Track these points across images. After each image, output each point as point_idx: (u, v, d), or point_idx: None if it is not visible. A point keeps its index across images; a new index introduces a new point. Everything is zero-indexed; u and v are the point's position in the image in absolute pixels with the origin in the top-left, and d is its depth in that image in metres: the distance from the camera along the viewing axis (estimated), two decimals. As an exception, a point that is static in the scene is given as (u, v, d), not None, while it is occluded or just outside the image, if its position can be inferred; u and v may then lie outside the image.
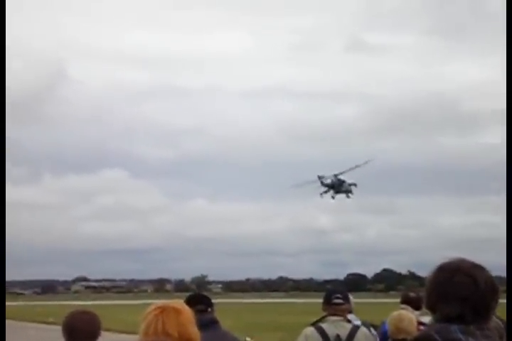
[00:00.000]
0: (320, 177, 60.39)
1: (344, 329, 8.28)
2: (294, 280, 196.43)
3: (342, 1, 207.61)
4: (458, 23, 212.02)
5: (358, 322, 8.98)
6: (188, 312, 4.58)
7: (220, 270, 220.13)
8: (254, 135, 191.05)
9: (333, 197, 61.39)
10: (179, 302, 4.71)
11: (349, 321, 8.51)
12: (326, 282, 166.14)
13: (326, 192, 60.96)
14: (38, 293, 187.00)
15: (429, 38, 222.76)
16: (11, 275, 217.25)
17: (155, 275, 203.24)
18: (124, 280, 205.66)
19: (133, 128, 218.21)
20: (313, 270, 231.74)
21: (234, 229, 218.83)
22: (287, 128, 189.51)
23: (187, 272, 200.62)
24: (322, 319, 8.44)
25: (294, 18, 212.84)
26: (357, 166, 60.98)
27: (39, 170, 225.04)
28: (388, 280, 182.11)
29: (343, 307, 8.44)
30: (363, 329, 8.47)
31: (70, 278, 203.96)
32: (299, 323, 10.05)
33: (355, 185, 61.41)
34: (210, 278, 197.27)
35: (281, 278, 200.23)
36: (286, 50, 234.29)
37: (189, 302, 6.24)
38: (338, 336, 8.23)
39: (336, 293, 8.49)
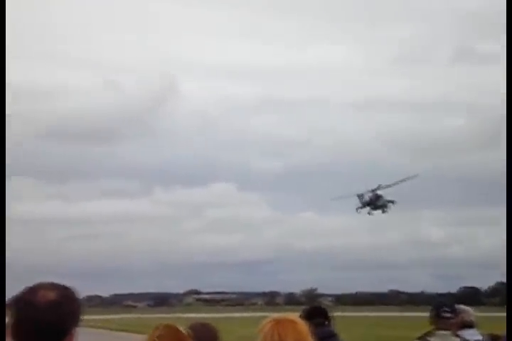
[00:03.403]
0: (359, 196, 59.81)
1: None
2: (405, 294, 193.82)
3: (450, 9, 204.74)
4: None
5: (477, 337, 8.67)
6: (303, 324, 4.55)
7: (330, 283, 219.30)
8: (361, 146, 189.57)
9: (369, 213, 60.68)
10: (293, 315, 4.70)
11: (457, 335, 8.24)
12: (439, 295, 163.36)
13: (361, 207, 60.28)
14: (151, 306, 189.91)
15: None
16: (124, 287, 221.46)
17: (265, 288, 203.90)
18: (235, 293, 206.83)
19: (241, 141, 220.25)
20: (426, 283, 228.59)
21: (343, 242, 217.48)
22: (394, 139, 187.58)
23: (297, 285, 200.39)
24: (429, 333, 8.21)
25: (400, 28, 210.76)
26: (401, 181, 60.04)
27: (151, 184, 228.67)
28: (504, 294, 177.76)
29: (452, 321, 8.18)
30: None
31: (182, 291, 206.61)
32: (410, 337, 9.76)
33: (392, 202, 60.45)
34: (320, 291, 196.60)
35: (392, 291, 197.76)
36: (391, 61, 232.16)
37: (307, 315, 6.14)
38: (445, 351, 7.97)
39: (445, 307, 8.24)
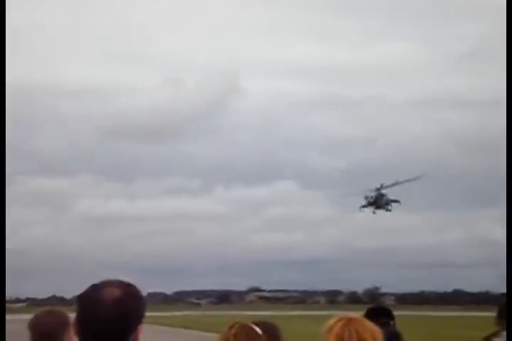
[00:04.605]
0: (366, 197, 59.38)
1: None
2: (470, 294, 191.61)
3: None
4: None
5: None
6: (371, 323, 4.55)
7: (392, 282, 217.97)
8: (423, 145, 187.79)
9: (374, 213, 60.07)
10: (358, 315, 4.71)
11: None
12: (504, 295, 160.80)
13: (365, 206, 59.72)
14: (213, 303, 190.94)
15: None
16: (187, 285, 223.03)
17: (327, 287, 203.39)
18: (297, 291, 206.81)
19: (302, 139, 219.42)
20: (490, 283, 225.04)
21: (406, 240, 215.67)
22: (456, 138, 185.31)
23: (359, 283, 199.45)
24: (495, 333, 8.09)
25: (464, 25, 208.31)
26: (403, 181, 59.33)
27: (213, 182, 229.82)
28: None
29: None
30: None
31: (244, 289, 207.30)
32: (473, 337, 9.62)
33: (396, 201, 59.74)
34: (383, 290, 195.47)
35: (456, 291, 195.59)
36: (454, 59, 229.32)
37: (371, 314, 6.11)
38: (511, 351, 7.83)
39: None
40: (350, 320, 4.51)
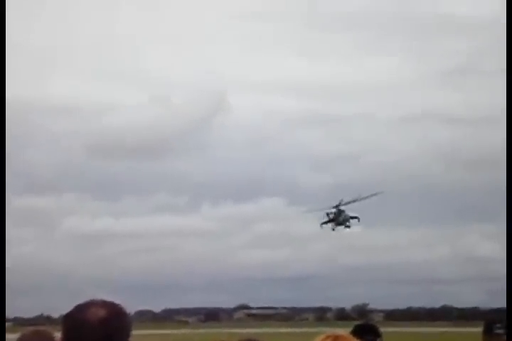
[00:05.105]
0: (328, 214, 59.30)
1: None
2: (458, 309, 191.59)
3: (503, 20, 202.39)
4: None
5: None
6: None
7: (381, 298, 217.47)
8: (410, 162, 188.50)
9: (333, 229, 59.84)
10: (345, 332, 4.73)
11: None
12: (493, 311, 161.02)
13: (326, 223, 59.58)
14: (202, 321, 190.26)
15: None
16: (175, 302, 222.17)
17: (315, 304, 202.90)
18: (285, 308, 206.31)
19: (290, 156, 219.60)
20: (479, 299, 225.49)
21: (393, 257, 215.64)
22: (444, 154, 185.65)
23: (347, 300, 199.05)
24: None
25: (453, 41, 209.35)
26: (363, 198, 59.25)
27: (200, 199, 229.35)
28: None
29: (504, 337, 8.01)
30: None
31: (232, 306, 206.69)
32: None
33: (356, 218, 59.67)
34: (372, 307, 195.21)
35: (444, 307, 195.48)
36: (441, 75, 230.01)
37: (357, 331, 6.11)
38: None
39: (497, 323, 8.08)
40: (337, 337, 4.54)
